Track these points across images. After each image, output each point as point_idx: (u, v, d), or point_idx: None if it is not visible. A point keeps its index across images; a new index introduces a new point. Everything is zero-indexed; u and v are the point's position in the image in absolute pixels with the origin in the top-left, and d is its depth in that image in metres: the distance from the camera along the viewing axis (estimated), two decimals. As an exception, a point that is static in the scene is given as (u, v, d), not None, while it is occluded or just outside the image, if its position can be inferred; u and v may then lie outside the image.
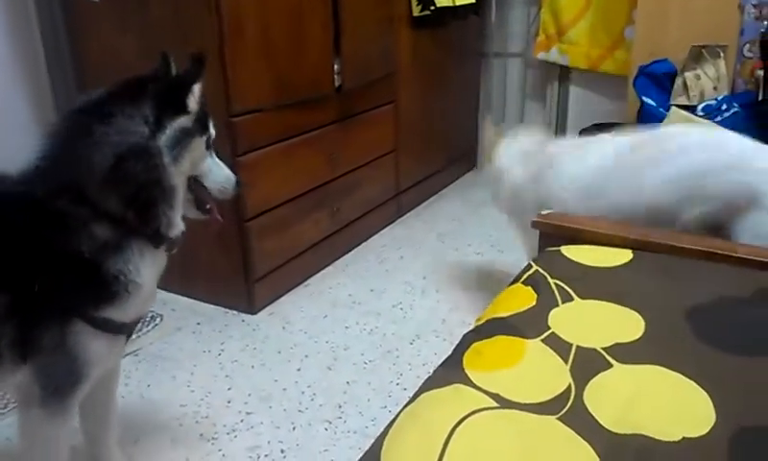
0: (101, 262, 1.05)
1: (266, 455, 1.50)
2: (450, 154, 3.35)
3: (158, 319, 2.07)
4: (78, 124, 1.09)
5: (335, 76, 2.32)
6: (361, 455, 0.83)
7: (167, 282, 2.34)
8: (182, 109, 1.12)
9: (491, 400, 0.86)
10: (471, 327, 1.08)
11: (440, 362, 0.99)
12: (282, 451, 1.51)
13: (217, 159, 1.26)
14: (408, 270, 2.42)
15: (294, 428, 1.59)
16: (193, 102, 1.14)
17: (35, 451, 1.14)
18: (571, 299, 1.10)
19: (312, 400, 1.69)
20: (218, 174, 1.25)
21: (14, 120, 2.10)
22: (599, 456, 0.75)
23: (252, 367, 1.85)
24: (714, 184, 1.49)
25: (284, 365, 1.85)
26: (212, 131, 1.22)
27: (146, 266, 1.12)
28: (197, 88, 1.15)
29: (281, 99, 2.11)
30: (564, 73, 3.34)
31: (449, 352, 1.01)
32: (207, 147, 1.21)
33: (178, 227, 1.17)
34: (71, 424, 1.17)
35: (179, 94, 1.12)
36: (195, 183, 1.23)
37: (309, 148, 2.29)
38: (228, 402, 1.69)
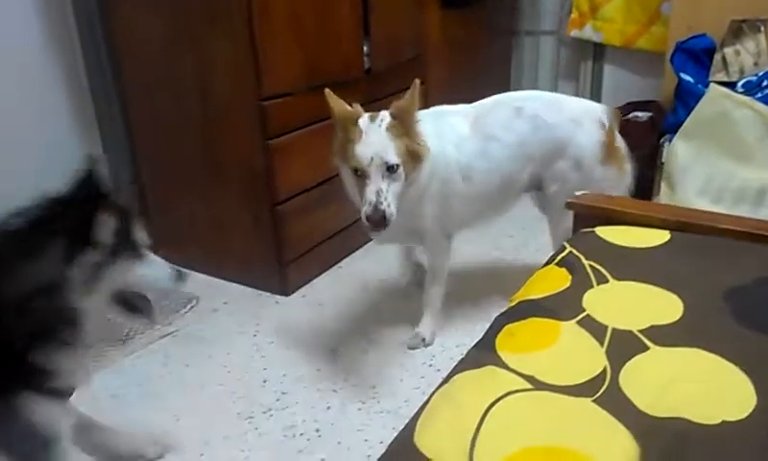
0: (24, 355, 1.07)
1: (301, 434, 1.53)
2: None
3: (195, 301, 2.11)
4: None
5: (365, 58, 2.31)
6: (394, 436, 0.84)
7: (203, 265, 2.42)
8: (90, 244, 1.07)
9: (525, 382, 0.86)
10: (504, 310, 1.08)
11: (472, 344, 0.99)
12: (317, 431, 1.53)
13: (151, 260, 1.18)
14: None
15: (328, 408, 1.61)
16: (105, 232, 1.08)
17: None
18: (606, 280, 1.09)
19: (346, 380, 1.72)
20: (152, 277, 1.18)
21: (50, 103, 2.16)
22: (635, 439, 0.75)
23: (287, 348, 1.88)
24: (533, 144, 1.78)
25: (318, 346, 1.88)
26: (140, 240, 1.16)
27: (69, 360, 1.12)
28: (104, 217, 1.08)
29: (311, 82, 2.11)
30: (598, 51, 3.27)
31: (482, 335, 1.01)
32: (135, 257, 1.15)
33: (93, 332, 1.14)
34: None
35: (85, 229, 1.06)
36: (125, 294, 1.17)
37: (340, 131, 2.29)
38: (264, 382, 1.72)
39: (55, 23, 2.12)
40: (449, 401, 0.85)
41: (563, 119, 1.78)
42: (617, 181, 1.82)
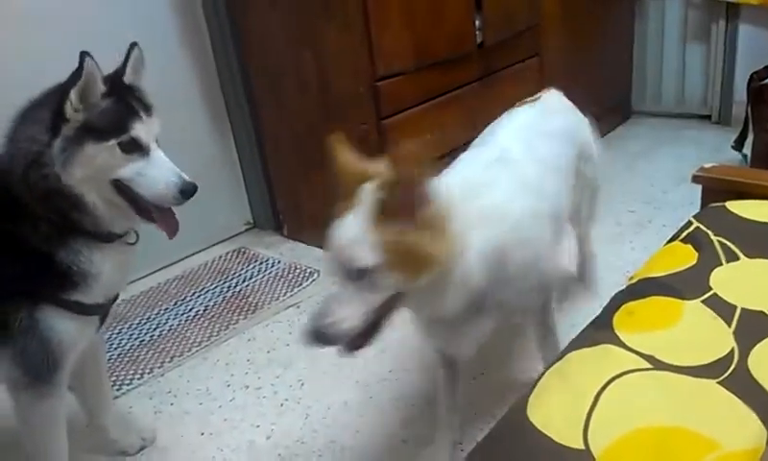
0: (53, 253, 1.11)
1: (412, 405, 1.58)
2: (601, 106, 3.16)
3: (316, 274, 2.22)
4: (13, 124, 1.13)
5: (476, 32, 2.29)
6: (506, 410, 0.85)
7: (323, 241, 2.52)
8: (63, 118, 1.09)
9: (643, 362, 0.84)
10: (623, 287, 1.05)
11: (587, 322, 0.98)
12: (428, 402, 1.58)
13: (159, 161, 1.16)
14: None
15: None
16: (70, 109, 1.09)
17: (31, 433, 1.23)
18: (737, 258, 1.03)
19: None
20: (152, 180, 1.15)
21: (182, 94, 2.34)
22: (763, 422, 0.72)
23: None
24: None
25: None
26: (135, 133, 1.13)
27: (100, 258, 1.14)
28: (74, 94, 1.08)
29: (423, 60, 2.13)
30: (731, 10, 3.00)
31: (598, 313, 0.99)
32: (127, 150, 1.13)
33: (116, 224, 1.17)
34: (61, 403, 1.23)
35: (59, 103, 1.08)
36: (127, 189, 1.16)
37: (451, 107, 2.29)
38: (381, 352, 1.78)
39: (187, 19, 2.30)
40: (563, 379, 0.85)
41: (571, 121, 1.58)
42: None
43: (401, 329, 1.78)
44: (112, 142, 1.11)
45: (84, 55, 1.08)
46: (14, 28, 1.90)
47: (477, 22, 2.27)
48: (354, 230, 0.95)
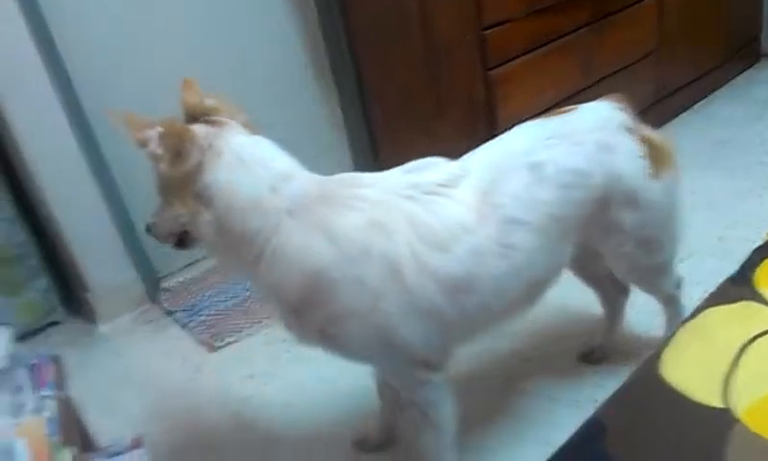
0: None
1: (527, 360, 1.57)
2: (727, 47, 2.90)
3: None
4: None
5: (590, -28, 2.15)
6: (633, 370, 0.82)
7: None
8: None
9: (792, 320, 0.78)
10: (763, 243, 0.97)
11: (717, 282, 0.92)
12: (545, 358, 1.56)
13: None
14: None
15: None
16: None
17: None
18: None
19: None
20: None
21: (293, 82, 2.37)
22: None
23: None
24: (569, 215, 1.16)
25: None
26: None
27: None
28: None
29: (532, 5, 2.03)
30: None
31: (731, 271, 0.93)
32: None
33: None
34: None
35: None
36: None
37: (562, 55, 2.18)
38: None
39: (297, 6, 2.31)
40: (700, 336, 0.81)
41: (588, 155, 1.13)
42: (677, 183, 1.24)
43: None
44: None
45: None
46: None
47: (590, -39, 2.14)
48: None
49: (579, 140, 1.13)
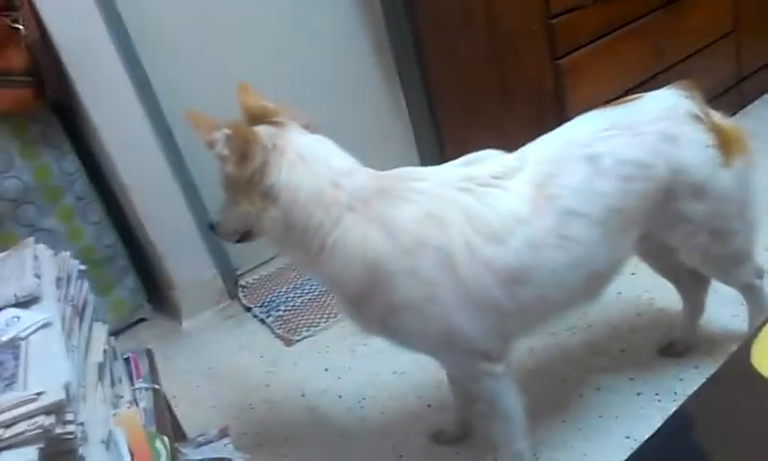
0: None
1: (604, 354, 1.54)
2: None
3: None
4: None
5: (662, -48, 2.08)
6: (725, 359, 0.80)
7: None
8: None
9: None
10: None
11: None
12: (623, 351, 1.53)
13: None
14: (755, 168, 2.11)
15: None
16: None
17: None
18: None
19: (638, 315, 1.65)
20: None
21: (359, 79, 2.41)
22: None
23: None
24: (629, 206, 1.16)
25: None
26: None
27: None
28: None
29: (602, -10, 1.99)
30: None
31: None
32: None
33: None
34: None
35: None
36: None
37: (633, 40, 2.12)
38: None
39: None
40: (792, 325, 0.78)
41: (649, 146, 1.10)
42: (749, 170, 1.20)
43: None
44: None
45: None
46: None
47: (663, -60, 2.06)
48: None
49: (639, 131, 1.11)
